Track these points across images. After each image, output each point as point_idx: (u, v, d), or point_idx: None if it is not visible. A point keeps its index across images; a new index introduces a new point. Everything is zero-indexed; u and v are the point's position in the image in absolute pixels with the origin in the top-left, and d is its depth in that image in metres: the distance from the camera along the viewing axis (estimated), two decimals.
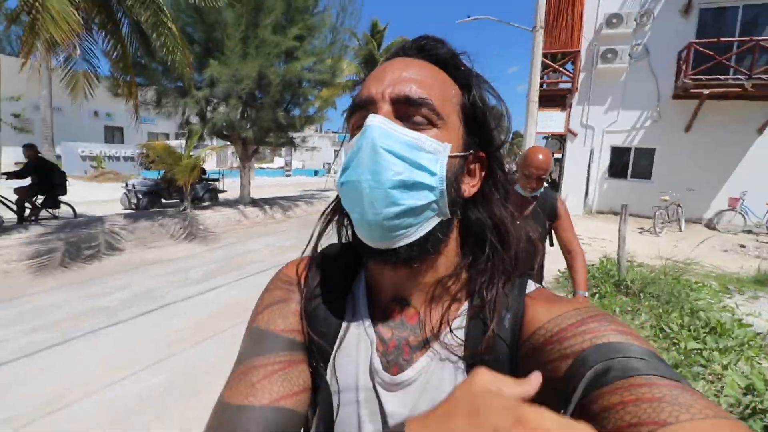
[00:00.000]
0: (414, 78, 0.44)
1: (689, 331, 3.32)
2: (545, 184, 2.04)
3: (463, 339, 0.45)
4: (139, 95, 7.66)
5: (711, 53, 9.28)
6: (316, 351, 0.49)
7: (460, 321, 0.47)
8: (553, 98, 11.42)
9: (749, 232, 9.51)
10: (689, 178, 10.34)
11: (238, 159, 9.34)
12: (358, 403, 0.47)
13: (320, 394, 0.48)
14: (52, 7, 4.98)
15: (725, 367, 2.75)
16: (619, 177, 11.48)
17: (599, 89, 11.14)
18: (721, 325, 3.27)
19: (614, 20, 10.66)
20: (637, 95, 10.82)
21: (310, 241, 0.53)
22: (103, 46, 7.31)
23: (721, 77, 9.26)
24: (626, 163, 11.37)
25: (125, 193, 8.81)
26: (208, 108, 7.89)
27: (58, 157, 15.79)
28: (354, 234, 0.48)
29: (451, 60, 0.48)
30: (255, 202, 9.58)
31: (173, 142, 13.99)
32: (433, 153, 0.43)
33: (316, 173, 26.50)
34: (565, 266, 2.15)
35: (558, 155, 15.17)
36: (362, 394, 0.47)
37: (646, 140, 11.01)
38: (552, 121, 11.62)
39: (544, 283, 2.49)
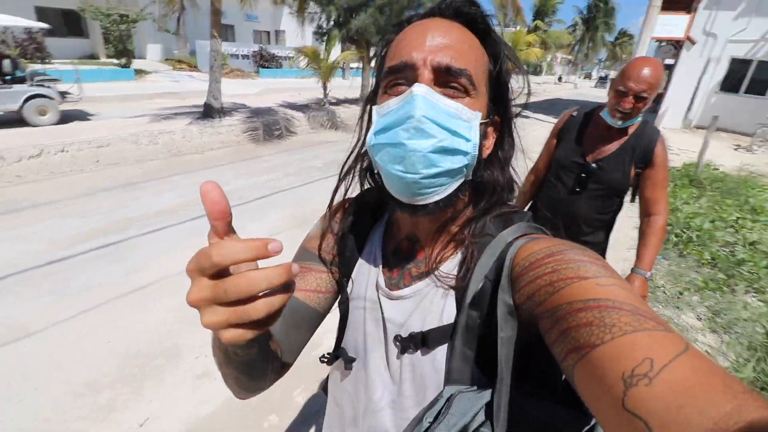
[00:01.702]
0: (454, 46, 0.46)
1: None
2: (642, 114, 1.48)
3: (455, 272, 0.52)
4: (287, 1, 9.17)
5: None
6: (342, 268, 0.63)
7: (456, 257, 0.53)
8: (679, 1, 10.81)
9: None
10: None
11: (361, 61, 10.78)
12: (365, 309, 0.59)
13: (341, 301, 0.63)
14: None
15: (751, 231, 4.13)
16: (731, 91, 11.15)
17: None
18: (762, 208, 4.52)
19: None
20: None
21: (336, 189, 0.61)
22: None
23: None
24: (743, 77, 10.93)
25: None
26: (346, 15, 9.19)
27: (193, 53, 18.23)
28: (383, 186, 0.52)
29: (485, 27, 0.50)
30: None
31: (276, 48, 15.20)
32: (468, 121, 0.47)
33: None
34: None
35: (670, 61, 14.37)
36: (368, 303, 0.59)
37: None
38: (672, 25, 11.11)
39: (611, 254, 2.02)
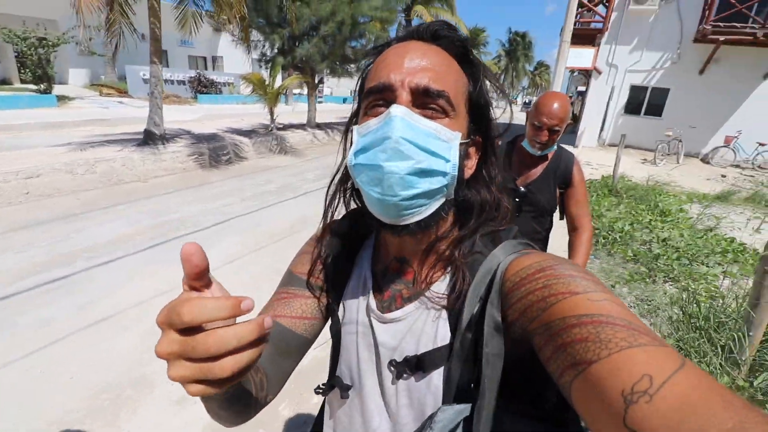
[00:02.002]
0: (432, 68, 0.47)
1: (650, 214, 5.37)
2: (558, 141, 1.66)
3: (446, 293, 0.51)
4: (228, 29, 9.19)
5: (733, 1, 10.18)
6: (332, 292, 0.62)
7: (446, 277, 0.53)
8: (585, 37, 12.42)
9: (737, 166, 11.17)
10: (695, 117, 11.75)
11: (305, 87, 10.97)
12: (357, 334, 0.58)
13: (332, 325, 0.61)
14: None
15: (662, 230, 4.83)
16: (633, 114, 12.87)
17: (628, 30, 12.08)
18: (668, 210, 5.30)
19: None
20: (661, 37, 11.81)
21: (325, 211, 0.59)
22: None
23: (738, 25, 10.27)
24: (642, 101, 12.70)
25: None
26: (290, 43, 9.39)
27: (123, 78, 17.29)
28: (364, 206, 0.51)
29: (463, 50, 0.51)
30: (319, 126, 11.43)
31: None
32: (447, 141, 0.47)
33: (344, 100, 27.61)
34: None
35: (582, 88, 16.34)
36: (360, 327, 0.58)
37: (662, 80, 12.22)
38: (581, 57, 12.69)
39: None
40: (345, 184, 0.57)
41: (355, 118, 0.54)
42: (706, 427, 0.26)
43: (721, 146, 11.36)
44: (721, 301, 2.74)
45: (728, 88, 11.35)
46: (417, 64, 0.47)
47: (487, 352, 0.44)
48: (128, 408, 2.08)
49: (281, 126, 10.69)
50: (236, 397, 0.48)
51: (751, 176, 10.15)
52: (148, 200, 5.34)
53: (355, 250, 0.63)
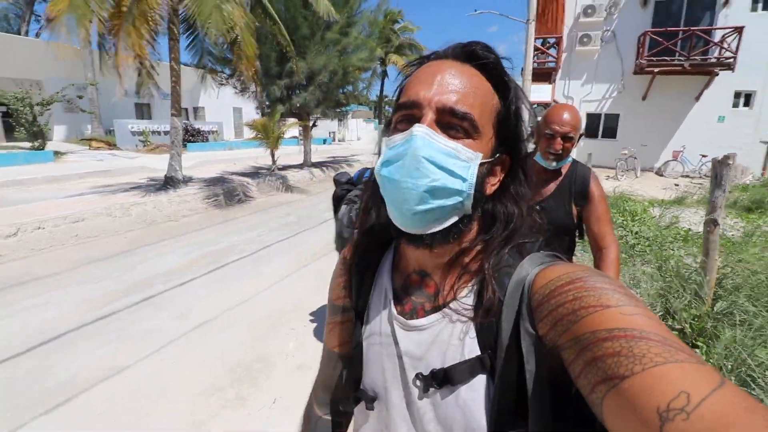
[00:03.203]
0: (460, 90, 0.48)
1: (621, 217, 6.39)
2: (572, 155, 1.62)
3: (472, 305, 0.50)
4: (225, 81, 10.12)
5: (661, 40, 12.11)
6: (357, 308, 0.63)
7: (470, 289, 0.52)
8: (542, 75, 14.14)
9: (686, 176, 12.74)
10: (644, 137, 13.42)
11: (300, 131, 11.88)
12: (381, 345, 0.58)
13: (354, 338, 0.62)
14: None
15: (633, 227, 5.82)
16: (592, 137, 14.49)
17: (577, 67, 13.90)
18: (636, 212, 6.35)
19: (589, 10, 13.27)
20: (606, 71, 13.65)
21: (360, 224, 0.64)
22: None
23: (668, 58, 12.14)
24: (598, 126, 14.37)
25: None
26: (287, 92, 10.38)
27: (110, 131, 17.73)
28: (387, 216, 0.52)
29: (496, 71, 0.51)
30: (314, 164, 12.29)
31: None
32: (466, 161, 0.47)
33: (324, 141, 28.81)
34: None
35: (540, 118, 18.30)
36: (383, 338, 0.57)
37: (613, 107, 13.97)
38: (541, 92, 14.37)
39: None
40: (378, 192, 0.55)
41: (387, 129, 0.55)
42: None
43: (671, 160, 12.98)
44: (686, 266, 3.62)
45: (668, 110, 13.15)
46: (446, 84, 0.48)
47: (529, 370, 0.43)
48: (262, 375, 2.66)
49: (281, 166, 11.45)
50: None
51: (700, 184, 11.61)
52: (188, 235, 5.89)
53: (377, 262, 0.63)
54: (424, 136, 0.46)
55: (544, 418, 0.43)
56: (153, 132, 18.29)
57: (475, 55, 0.51)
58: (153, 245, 5.38)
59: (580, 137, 1.59)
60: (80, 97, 16.20)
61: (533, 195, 1.72)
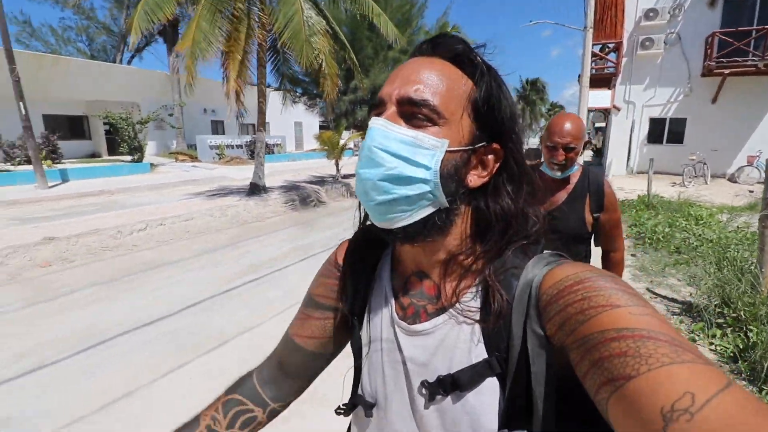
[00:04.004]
0: (420, 79, 0.48)
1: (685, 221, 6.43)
2: (582, 161, 1.70)
3: (478, 307, 0.49)
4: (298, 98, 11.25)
5: (731, 40, 11.63)
6: (354, 312, 0.60)
7: (474, 291, 0.50)
8: (601, 80, 14.01)
9: (762, 183, 11.98)
10: (714, 141, 12.81)
11: (355, 143, 12.79)
12: (382, 351, 0.56)
13: (353, 343, 0.60)
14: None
15: (696, 230, 5.89)
16: (656, 143, 14.04)
17: (639, 71, 13.62)
18: (701, 216, 6.37)
19: (651, 13, 13.03)
20: (671, 75, 13.25)
21: (359, 227, 0.63)
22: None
23: (740, 59, 11.62)
24: (662, 131, 13.91)
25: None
26: (351, 107, 11.35)
27: (191, 146, 19.90)
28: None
29: (464, 56, 0.50)
30: None
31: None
32: (430, 149, 0.47)
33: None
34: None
35: (600, 124, 17.81)
36: (385, 344, 0.56)
37: (679, 111, 13.49)
38: (599, 98, 14.20)
39: None
40: None
41: None
42: None
43: (745, 165, 12.28)
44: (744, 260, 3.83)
45: (742, 114, 12.49)
46: (408, 77, 0.49)
47: (535, 371, 0.43)
48: None
49: (344, 175, 12.40)
50: None
51: None
52: (276, 233, 6.83)
53: (374, 265, 0.62)
54: (379, 127, 0.47)
55: (550, 419, 0.43)
56: (227, 146, 20.27)
57: (440, 45, 0.51)
58: (250, 240, 6.34)
59: (585, 145, 1.62)
60: (171, 116, 18.48)
61: (543, 204, 1.65)
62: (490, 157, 0.51)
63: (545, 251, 0.51)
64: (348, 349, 0.65)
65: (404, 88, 0.48)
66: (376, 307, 0.59)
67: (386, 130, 0.47)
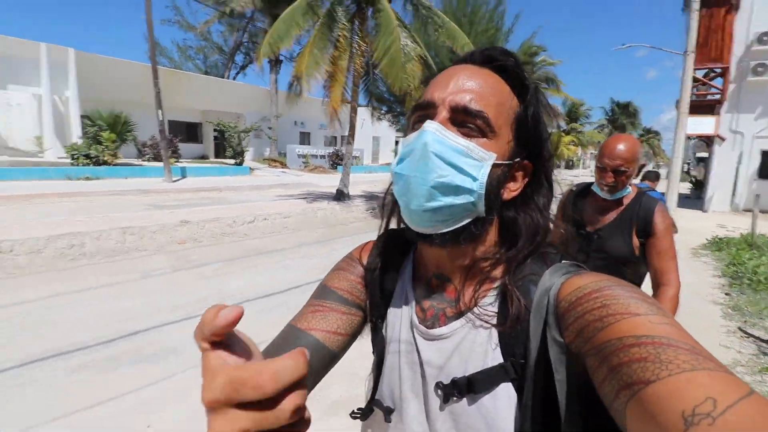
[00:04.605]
0: (475, 89, 0.48)
1: None
2: (636, 184, 1.58)
3: (496, 311, 0.50)
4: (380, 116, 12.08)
5: None
6: (374, 310, 0.60)
7: (493, 296, 0.51)
8: (703, 107, 13.02)
9: None
10: None
11: None
12: (400, 353, 0.56)
13: (375, 344, 0.60)
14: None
15: None
16: (766, 178, 12.63)
17: (749, 99, 12.44)
18: None
19: (765, 37, 11.93)
20: None
21: (381, 221, 0.62)
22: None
23: None
24: None
25: None
26: None
27: (282, 154, 21.97)
28: (401, 216, 0.53)
29: (514, 72, 0.52)
30: None
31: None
32: (479, 160, 0.48)
33: None
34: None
35: (702, 154, 16.31)
36: (403, 345, 0.56)
37: None
38: (701, 124, 13.16)
39: None
40: (393, 199, 0.57)
41: (405, 131, 0.56)
42: None
43: None
44: None
45: None
46: (461, 85, 0.49)
47: (559, 380, 0.43)
48: None
49: None
50: None
51: None
52: (359, 235, 7.53)
53: (397, 266, 0.62)
54: (434, 131, 0.47)
55: (575, 428, 0.43)
56: (312, 156, 22.05)
57: (493, 59, 0.52)
58: (337, 239, 7.11)
59: (641, 168, 1.64)
60: (270, 128, 20.73)
61: (591, 223, 1.65)
62: (521, 172, 0.53)
63: (563, 261, 0.52)
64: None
65: (459, 96, 0.49)
66: (397, 308, 0.59)
67: (441, 137, 0.47)
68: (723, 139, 13.09)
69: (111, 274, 4.68)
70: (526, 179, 0.54)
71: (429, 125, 0.47)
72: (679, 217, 9.61)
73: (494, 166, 0.49)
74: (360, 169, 23.01)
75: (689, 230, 8.43)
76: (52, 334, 3.21)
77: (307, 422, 0.26)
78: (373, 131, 26.88)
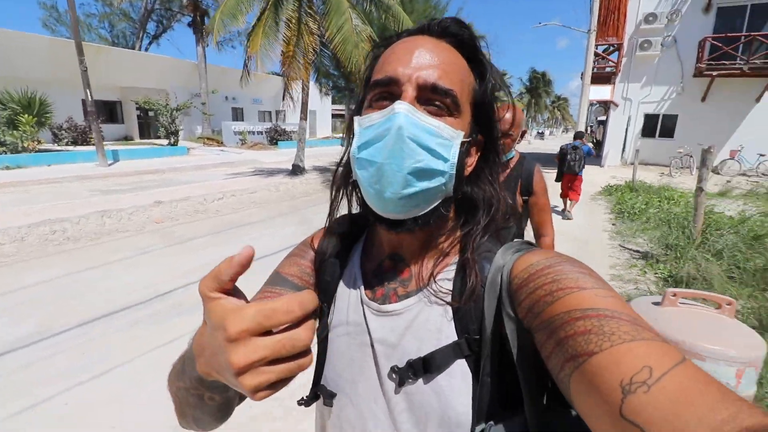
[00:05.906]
0: (439, 65, 0.46)
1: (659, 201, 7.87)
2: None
3: (450, 288, 0.50)
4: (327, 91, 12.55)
5: (720, 45, 12.88)
6: (323, 294, 0.59)
7: (448, 273, 0.51)
8: (601, 78, 15.27)
9: (743, 174, 13.33)
10: (702, 136, 14.09)
11: None
12: (349, 335, 0.55)
13: (320, 330, 0.59)
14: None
15: (667, 207, 7.33)
16: (650, 137, 15.38)
17: (637, 70, 14.88)
18: (672, 197, 7.79)
19: (650, 18, 14.24)
20: (665, 75, 14.52)
21: (331, 207, 0.59)
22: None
23: (727, 62, 12.89)
24: (655, 126, 15.24)
25: None
26: None
27: (216, 131, 21.23)
28: (363, 202, 0.51)
29: (472, 47, 0.50)
30: None
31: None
32: (449, 140, 0.46)
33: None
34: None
35: (602, 118, 19.22)
36: (352, 327, 0.55)
37: (671, 108, 14.80)
38: (600, 92, 15.47)
39: None
40: (349, 177, 0.55)
41: (358, 109, 0.52)
42: (702, 418, 0.26)
43: (728, 159, 13.63)
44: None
45: (727, 111, 13.80)
46: (426, 60, 0.46)
47: (517, 355, 0.44)
48: None
49: None
50: (229, 402, 0.50)
51: (756, 182, 12.27)
52: (324, 204, 8.25)
53: (347, 251, 0.61)
54: (407, 113, 0.44)
55: (536, 403, 0.44)
56: (249, 132, 21.59)
57: (450, 31, 0.50)
58: (307, 209, 7.79)
59: (523, 134, 1.84)
60: (203, 104, 19.78)
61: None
62: (475, 147, 0.53)
63: (516, 239, 0.53)
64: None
65: (426, 72, 0.46)
66: (344, 291, 0.58)
67: (413, 117, 0.45)
68: (616, 105, 15.54)
69: (108, 253, 5.00)
70: (479, 153, 0.54)
71: (400, 106, 0.44)
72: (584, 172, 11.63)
73: (461, 143, 0.48)
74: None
75: (590, 182, 10.31)
76: (97, 301, 3.67)
77: (310, 357, 0.32)
78: (310, 105, 26.53)
